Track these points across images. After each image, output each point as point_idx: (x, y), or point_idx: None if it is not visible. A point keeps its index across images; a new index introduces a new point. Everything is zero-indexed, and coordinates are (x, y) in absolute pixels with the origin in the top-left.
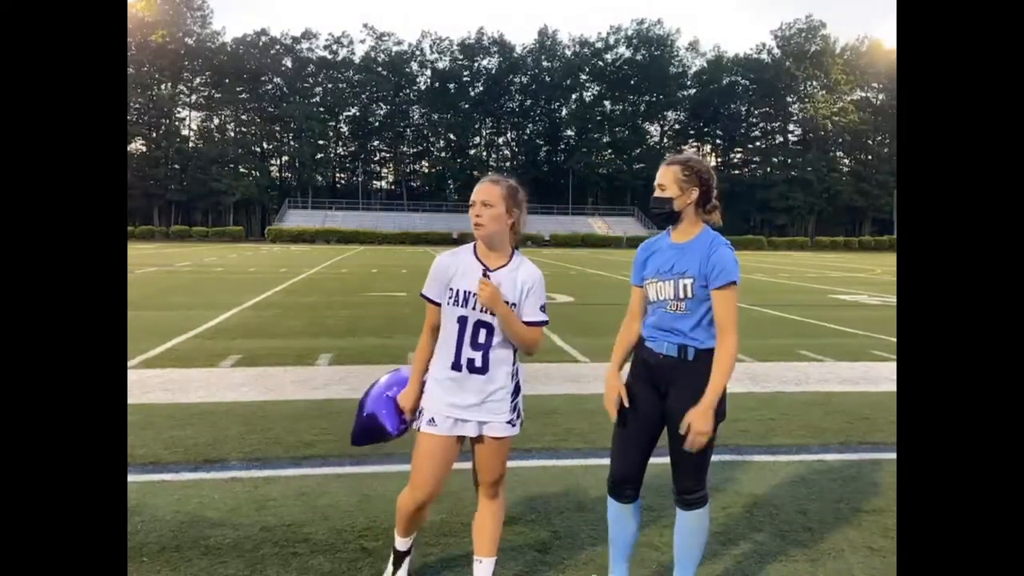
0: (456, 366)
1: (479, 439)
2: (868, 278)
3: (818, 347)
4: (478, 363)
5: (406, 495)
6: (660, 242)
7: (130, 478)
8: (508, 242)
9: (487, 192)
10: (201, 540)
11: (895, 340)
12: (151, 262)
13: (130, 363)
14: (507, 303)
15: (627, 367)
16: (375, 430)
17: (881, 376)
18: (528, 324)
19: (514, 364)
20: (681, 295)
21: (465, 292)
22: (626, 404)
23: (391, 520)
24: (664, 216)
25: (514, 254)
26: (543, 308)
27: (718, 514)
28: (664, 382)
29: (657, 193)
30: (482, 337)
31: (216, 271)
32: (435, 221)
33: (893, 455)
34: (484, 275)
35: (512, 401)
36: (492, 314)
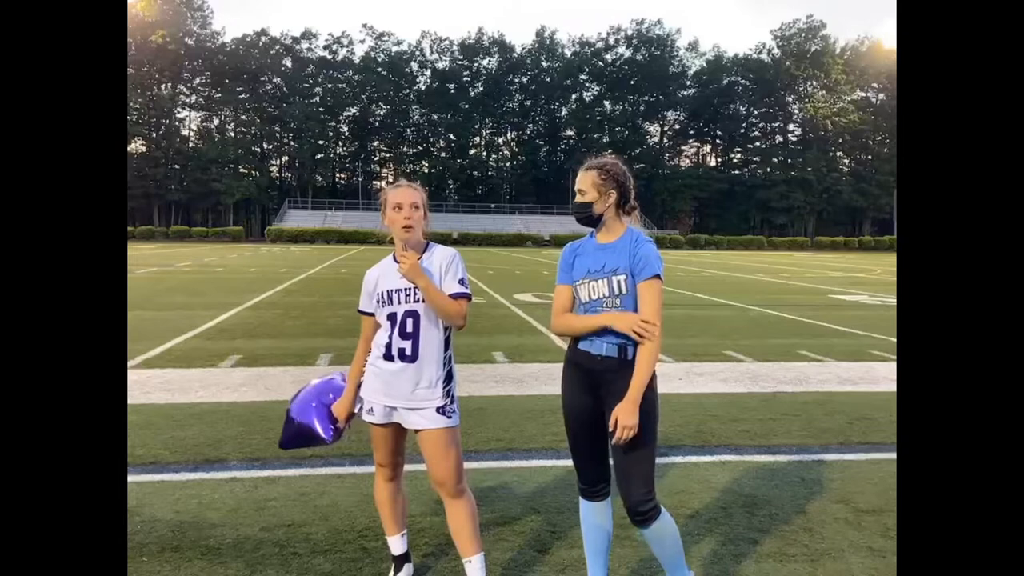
0: (388, 356)
1: (419, 432)
2: (868, 278)
3: (818, 347)
4: (408, 351)
5: (377, 478)
6: (586, 244)
7: (130, 478)
8: (422, 240)
9: (414, 196)
10: (201, 540)
11: (895, 340)
12: (151, 262)
13: (130, 363)
14: None
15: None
16: (309, 437)
17: (881, 376)
18: (452, 297)
19: (446, 351)
20: (616, 291)
21: (390, 291)
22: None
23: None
24: (586, 219)
25: (428, 246)
26: (462, 282)
27: (718, 514)
28: (602, 385)
29: (577, 198)
30: (410, 326)
31: (216, 271)
32: (435, 221)
33: (893, 455)
34: (404, 250)
35: (445, 387)
36: (417, 301)
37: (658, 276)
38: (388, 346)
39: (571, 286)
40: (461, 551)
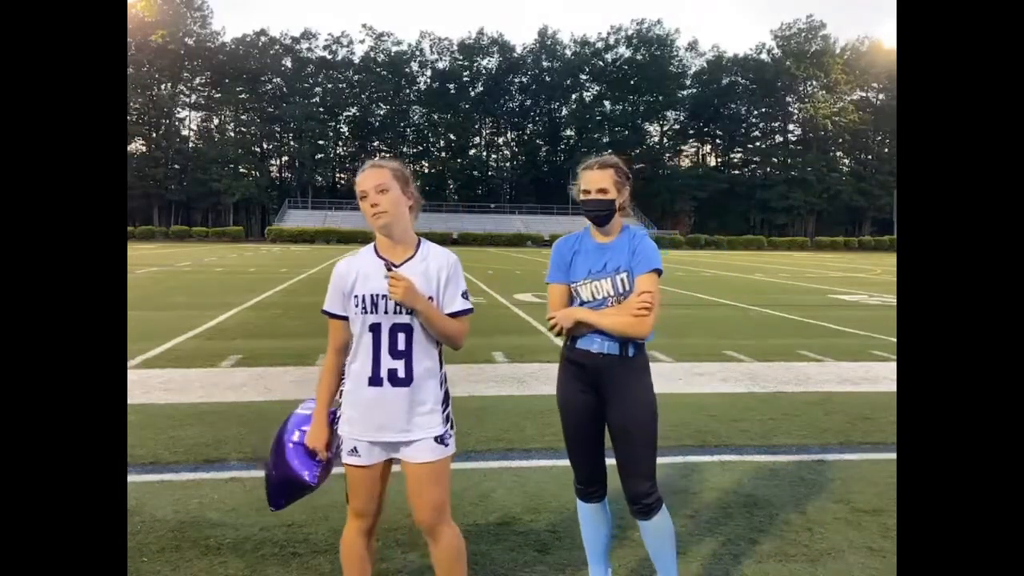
0: (375, 380)
1: (410, 464)
2: (868, 278)
3: (818, 347)
4: (401, 373)
5: (350, 529)
6: (583, 242)
7: (130, 478)
8: (411, 231)
9: (378, 176)
10: (201, 540)
11: (895, 340)
12: (151, 262)
13: (130, 363)
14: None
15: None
16: (293, 484)
17: (881, 376)
18: (452, 315)
19: (441, 369)
20: (621, 290)
21: (373, 296)
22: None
23: (391, 521)
24: (605, 216)
25: (420, 243)
26: (465, 295)
27: (717, 514)
28: (601, 382)
29: (598, 196)
30: (401, 343)
31: (216, 271)
32: (434, 221)
33: (893, 455)
34: (388, 269)
35: (443, 412)
36: (409, 313)
37: (657, 271)
38: (375, 367)
39: (568, 285)
40: None
